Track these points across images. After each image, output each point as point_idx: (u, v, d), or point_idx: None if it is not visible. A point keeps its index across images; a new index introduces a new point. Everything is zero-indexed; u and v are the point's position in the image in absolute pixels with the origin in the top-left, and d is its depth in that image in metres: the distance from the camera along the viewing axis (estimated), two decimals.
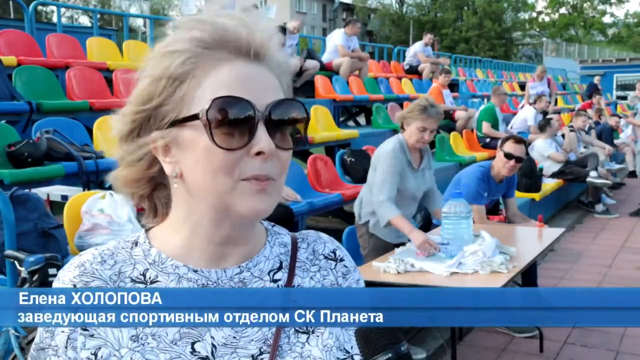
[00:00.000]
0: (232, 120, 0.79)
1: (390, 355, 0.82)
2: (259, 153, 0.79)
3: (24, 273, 2.67)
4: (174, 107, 0.81)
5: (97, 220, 3.19)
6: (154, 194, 0.90)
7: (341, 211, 6.00)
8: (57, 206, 4.78)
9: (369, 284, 3.70)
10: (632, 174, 11.40)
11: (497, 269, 3.20)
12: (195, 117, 0.80)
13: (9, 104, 4.97)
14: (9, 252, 2.81)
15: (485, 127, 8.80)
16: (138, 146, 0.85)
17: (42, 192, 4.73)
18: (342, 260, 0.96)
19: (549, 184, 8.18)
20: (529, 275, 4.70)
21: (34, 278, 2.61)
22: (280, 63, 0.87)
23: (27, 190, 3.61)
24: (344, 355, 0.89)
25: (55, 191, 5.07)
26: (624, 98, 21.15)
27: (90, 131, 4.69)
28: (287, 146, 0.83)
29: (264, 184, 0.80)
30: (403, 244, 3.74)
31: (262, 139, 0.79)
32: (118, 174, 0.88)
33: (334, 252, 0.96)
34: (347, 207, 6.06)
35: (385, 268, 3.29)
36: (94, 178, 4.17)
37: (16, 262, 2.73)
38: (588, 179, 8.41)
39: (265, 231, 0.94)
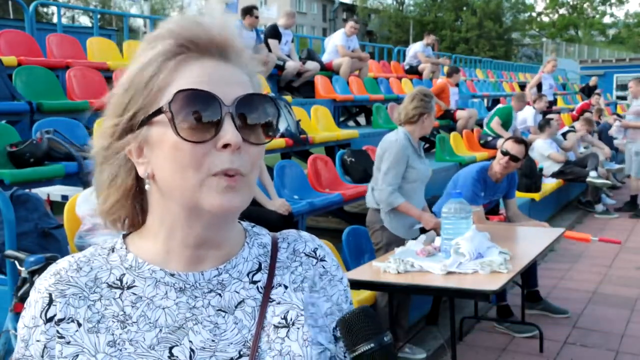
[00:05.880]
0: (196, 113, 0.78)
1: (372, 345, 0.82)
2: (225, 146, 0.78)
3: (24, 273, 2.67)
4: (145, 110, 0.82)
5: (98, 220, 3.18)
6: (134, 204, 0.89)
7: (341, 211, 6.00)
8: (57, 206, 4.78)
9: (369, 284, 3.68)
10: None
11: (497, 269, 3.20)
12: (159, 111, 0.80)
13: (9, 104, 4.96)
14: (9, 252, 2.81)
15: (496, 121, 8.82)
16: (115, 155, 0.85)
17: (42, 192, 4.73)
18: (323, 259, 0.95)
19: (549, 184, 8.18)
20: (529, 276, 4.70)
21: (34, 278, 2.61)
22: (247, 61, 0.87)
23: (27, 190, 3.61)
24: (320, 348, 0.88)
25: (55, 191, 5.07)
26: (624, 98, 21.14)
27: (90, 131, 4.69)
28: (257, 141, 0.82)
29: (233, 179, 0.79)
30: (414, 238, 3.80)
31: (229, 131, 0.78)
32: (100, 199, 0.88)
33: (314, 250, 0.95)
34: (347, 207, 6.06)
35: (385, 268, 3.29)
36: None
37: (16, 262, 2.73)
38: (588, 179, 8.41)
39: (244, 232, 0.93)
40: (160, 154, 0.81)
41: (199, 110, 0.78)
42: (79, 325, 0.83)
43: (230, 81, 0.82)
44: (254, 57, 0.89)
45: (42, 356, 0.83)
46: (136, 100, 0.82)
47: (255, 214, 4.04)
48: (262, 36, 8.73)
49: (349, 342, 0.83)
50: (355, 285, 3.28)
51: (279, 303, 0.88)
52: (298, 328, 0.87)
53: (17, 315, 2.68)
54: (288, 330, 0.86)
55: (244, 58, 0.86)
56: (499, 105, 9.62)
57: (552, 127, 8.65)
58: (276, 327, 0.86)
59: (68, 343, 0.82)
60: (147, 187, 0.84)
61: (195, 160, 0.79)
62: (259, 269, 0.90)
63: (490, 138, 8.90)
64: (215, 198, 0.79)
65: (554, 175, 8.51)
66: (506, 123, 8.85)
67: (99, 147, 0.86)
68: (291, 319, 0.87)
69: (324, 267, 0.94)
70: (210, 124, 0.79)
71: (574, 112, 13.12)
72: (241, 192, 0.81)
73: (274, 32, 8.85)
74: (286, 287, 0.90)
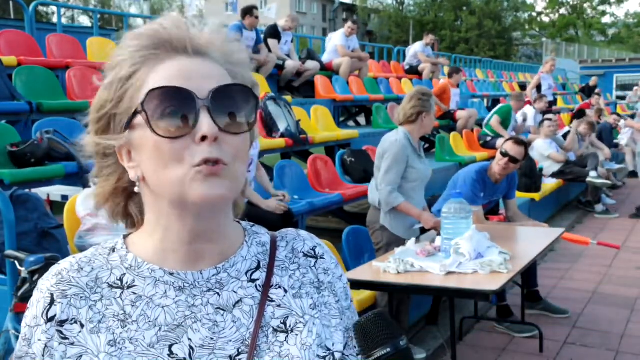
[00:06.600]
0: (171, 110, 0.79)
1: (389, 349, 0.81)
2: (204, 138, 0.79)
3: (24, 273, 2.67)
4: (125, 111, 0.83)
5: (98, 220, 3.19)
6: (129, 203, 0.91)
7: (341, 211, 6.00)
8: (57, 206, 4.78)
9: (369, 284, 3.68)
10: (632, 174, 11.41)
11: (497, 269, 3.20)
12: (136, 113, 0.81)
13: (9, 104, 4.96)
14: (9, 252, 2.81)
15: (495, 120, 8.82)
16: (107, 157, 0.87)
17: (42, 192, 4.73)
18: (322, 257, 0.95)
19: (549, 184, 8.18)
20: (528, 276, 4.70)
21: (34, 278, 2.61)
22: (227, 55, 0.87)
23: (27, 190, 3.61)
24: (325, 352, 0.88)
25: (55, 191, 5.07)
26: (624, 98, 21.15)
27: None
28: (236, 130, 0.82)
29: (214, 168, 0.79)
30: (416, 237, 3.80)
31: (204, 123, 0.79)
32: (97, 190, 0.90)
33: (313, 249, 0.96)
34: (347, 207, 6.07)
35: (385, 268, 3.29)
36: None
37: (16, 262, 2.73)
38: (588, 179, 8.41)
39: (243, 231, 0.94)
40: (145, 155, 0.82)
41: (174, 107, 0.79)
42: (82, 326, 0.84)
43: (205, 75, 0.82)
44: (237, 50, 0.89)
45: (43, 355, 0.84)
46: (115, 97, 0.84)
47: (255, 214, 4.04)
48: (262, 36, 8.73)
49: (365, 347, 0.82)
50: (355, 285, 3.29)
51: (278, 306, 0.89)
52: (297, 335, 0.87)
53: (17, 315, 2.68)
54: (287, 336, 0.87)
55: (220, 54, 0.86)
56: (499, 105, 9.64)
57: (545, 128, 8.62)
58: (275, 330, 0.87)
59: (72, 344, 0.83)
60: (136, 189, 0.86)
61: (176, 155, 0.79)
62: (258, 268, 0.91)
63: (489, 138, 8.91)
64: (198, 188, 0.79)
65: (554, 175, 8.50)
66: (505, 122, 8.86)
67: (89, 147, 0.88)
68: (290, 326, 0.88)
69: (324, 265, 0.95)
70: (187, 118, 0.79)
71: (573, 113, 13.12)
72: (225, 180, 0.81)
73: (273, 32, 8.86)
74: (286, 291, 0.91)
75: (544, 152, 8.49)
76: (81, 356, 0.83)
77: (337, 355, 0.89)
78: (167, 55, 0.83)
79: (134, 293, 0.86)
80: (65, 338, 0.83)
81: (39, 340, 0.84)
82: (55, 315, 0.84)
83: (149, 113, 0.79)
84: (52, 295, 0.85)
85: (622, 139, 11.82)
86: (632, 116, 13.69)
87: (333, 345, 0.89)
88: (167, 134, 0.79)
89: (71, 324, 0.84)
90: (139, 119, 0.81)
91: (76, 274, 0.87)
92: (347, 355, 0.91)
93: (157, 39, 0.83)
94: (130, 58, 0.84)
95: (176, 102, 0.80)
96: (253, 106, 0.85)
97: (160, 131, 0.79)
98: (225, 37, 0.88)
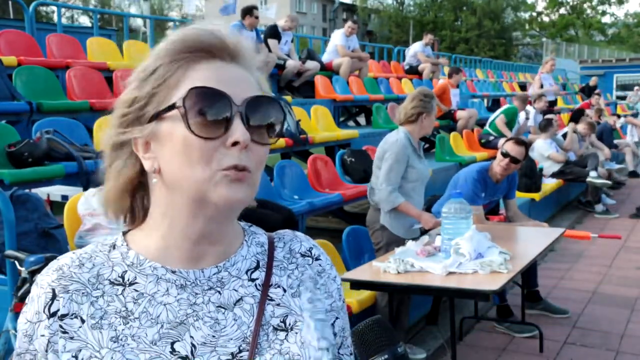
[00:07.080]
0: (208, 110, 0.81)
1: (386, 356, 0.81)
2: (235, 144, 0.81)
3: (24, 273, 2.67)
4: (156, 106, 0.84)
5: (98, 220, 3.19)
6: (135, 198, 0.91)
7: (341, 211, 6.00)
8: (57, 206, 4.78)
9: (369, 284, 3.67)
10: (632, 174, 11.41)
11: (497, 269, 3.20)
12: (172, 107, 0.82)
13: (9, 104, 4.96)
14: (9, 252, 2.81)
15: (501, 119, 8.83)
16: (121, 147, 0.88)
17: (42, 192, 4.73)
18: (318, 258, 0.98)
19: (549, 184, 8.18)
20: (529, 276, 4.70)
21: (34, 278, 2.61)
22: (253, 63, 0.90)
23: (27, 190, 3.61)
24: (327, 344, 0.90)
25: (55, 191, 5.07)
26: (624, 98, 21.15)
27: (90, 131, 4.69)
28: (263, 141, 0.85)
29: (240, 174, 0.82)
30: (415, 238, 3.79)
31: (238, 129, 0.81)
32: (106, 188, 0.90)
33: (310, 250, 0.98)
34: (347, 207, 6.06)
35: (385, 268, 3.29)
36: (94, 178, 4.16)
37: (16, 262, 2.73)
38: (588, 179, 8.42)
39: (242, 231, 0.96)
40: (169, 149, 0.83)
41: (211, 108, 0.81)
42: (83, 321, 0.85)
43: (240, 82, 0.85)
44: (259, 60, 0.92)
45: (47, 351, 0.84)
46: (147, 94, 0.85)
47: (254, 215, 4.04)
48: (261, 36, 8.73)
49: (363, 353, 0.83)
50: (355, 285, 3.29)
51: (278, 305, 0.91)
52: (296, 333, 0.89)
53: (17, 315, 2.67)
54: (287, 334, 0.89)
55: (251, 62, 0.89)
56: (506, 106, 9.66)
57: (554, 127, 8.65)
58: (275, 329, 0.89)
59: (72, 338, 0.84)
60: (154, 181, 0.87)
61: (205, 155, 0.81)
62: (257, 267, 0.93)
63: (492, 137, 8.90)
64: (223, 190, 0.81)
65: (554, 175, 8.51)
66: (510, 123, 8.87)
67: (106, 139, 0.89)
68: (290, 324, 0.89)
69: (320, 266, 0.97)
70: (221, 121, 0.82)
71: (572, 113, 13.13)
72: (247, 186, 0.83)
73: (273, 32, 8.87)
74: (284, 290, 0.92)
75: (544, 152, 8.50)
76: (80, 350, 0.83)
77: (331, 348, 0.91)
78: (204, 58, 0.85)
79: (136, 290, 0.87)
80: (65, 332, 0.84)
81: (42, 335, 0.84)
82: (57, 310, 0.84)
83: (187, 109, 0.81)
84: (53, 290, 0.85)
85: (635, 136, 11.87)
86: (634, 116, 13.70)
87: (328, 336, 0.91)
88: (201, 133, 0.81)
89: (71, 319, 0.84)
90: (173, 112, 0.82)
91: (77, 270, 0.87)
92: (342, 355, 0.94)
93: (198, 42, 0.85)
94: (170, 55, 0.85)
95: (214, 104, 0.82)
96: (280, 119, 0.87)
97: (195, 129, 0.81)
98: (252, 46, 0.90)
